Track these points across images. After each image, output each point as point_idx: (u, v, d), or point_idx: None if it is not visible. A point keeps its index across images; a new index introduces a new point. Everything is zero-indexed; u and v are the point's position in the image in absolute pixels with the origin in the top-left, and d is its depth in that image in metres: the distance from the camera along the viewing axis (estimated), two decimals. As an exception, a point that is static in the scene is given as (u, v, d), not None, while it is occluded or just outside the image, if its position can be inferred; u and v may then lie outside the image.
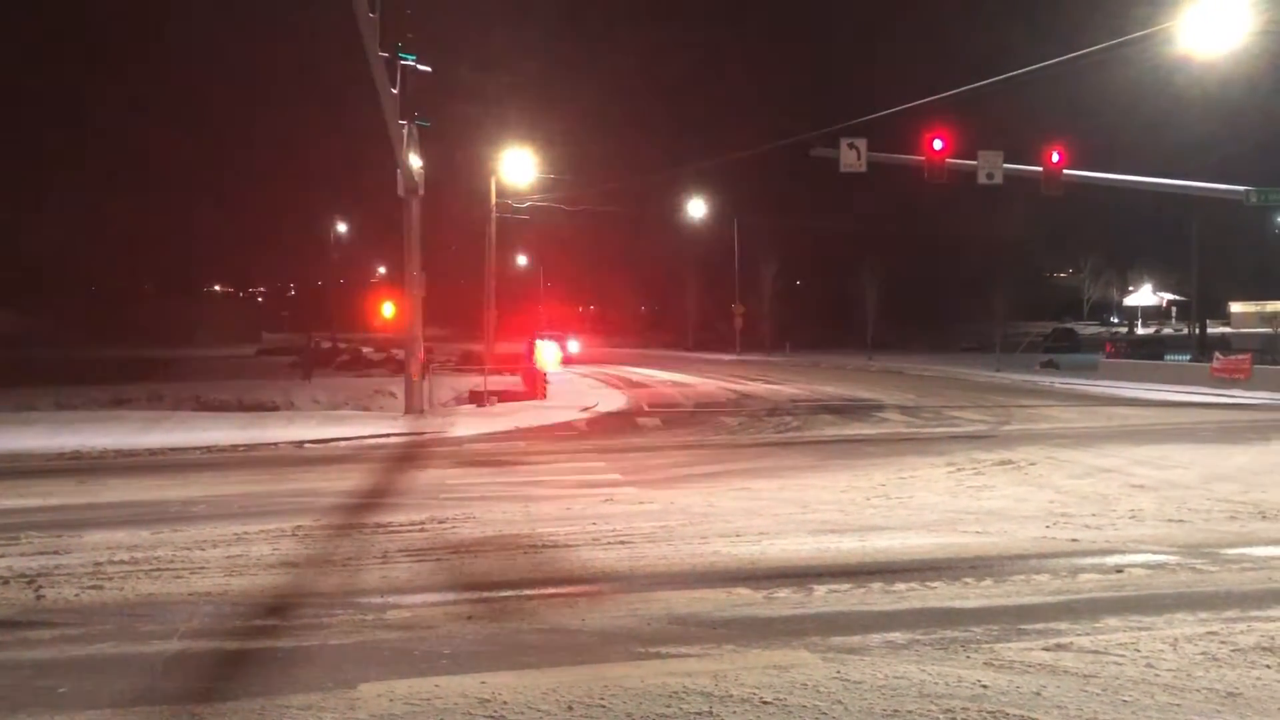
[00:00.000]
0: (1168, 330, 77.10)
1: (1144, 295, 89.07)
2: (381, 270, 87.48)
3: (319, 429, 19.58)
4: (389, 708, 4.99)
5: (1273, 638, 5.96)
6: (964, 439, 17.42)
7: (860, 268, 60.29)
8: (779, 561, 8.06)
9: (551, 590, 7.26)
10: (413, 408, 22.63)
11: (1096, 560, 8.06)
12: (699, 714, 4.87)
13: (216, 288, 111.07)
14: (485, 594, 7.15)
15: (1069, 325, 75.05)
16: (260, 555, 8.39)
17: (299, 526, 9.59)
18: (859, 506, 10.59)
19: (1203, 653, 5.70)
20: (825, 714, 4.87)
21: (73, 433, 18.45)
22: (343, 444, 18.00)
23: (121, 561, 8.15)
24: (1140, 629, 6.17)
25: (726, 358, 58.41)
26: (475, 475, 13.75)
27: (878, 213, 66.33)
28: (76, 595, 7.15)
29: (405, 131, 22.18)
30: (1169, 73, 28.90)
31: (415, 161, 22.85)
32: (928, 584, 7.28)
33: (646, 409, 25.22)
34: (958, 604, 6.78)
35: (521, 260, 74.33)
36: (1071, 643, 5.87)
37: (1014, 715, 4.81)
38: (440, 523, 9.75)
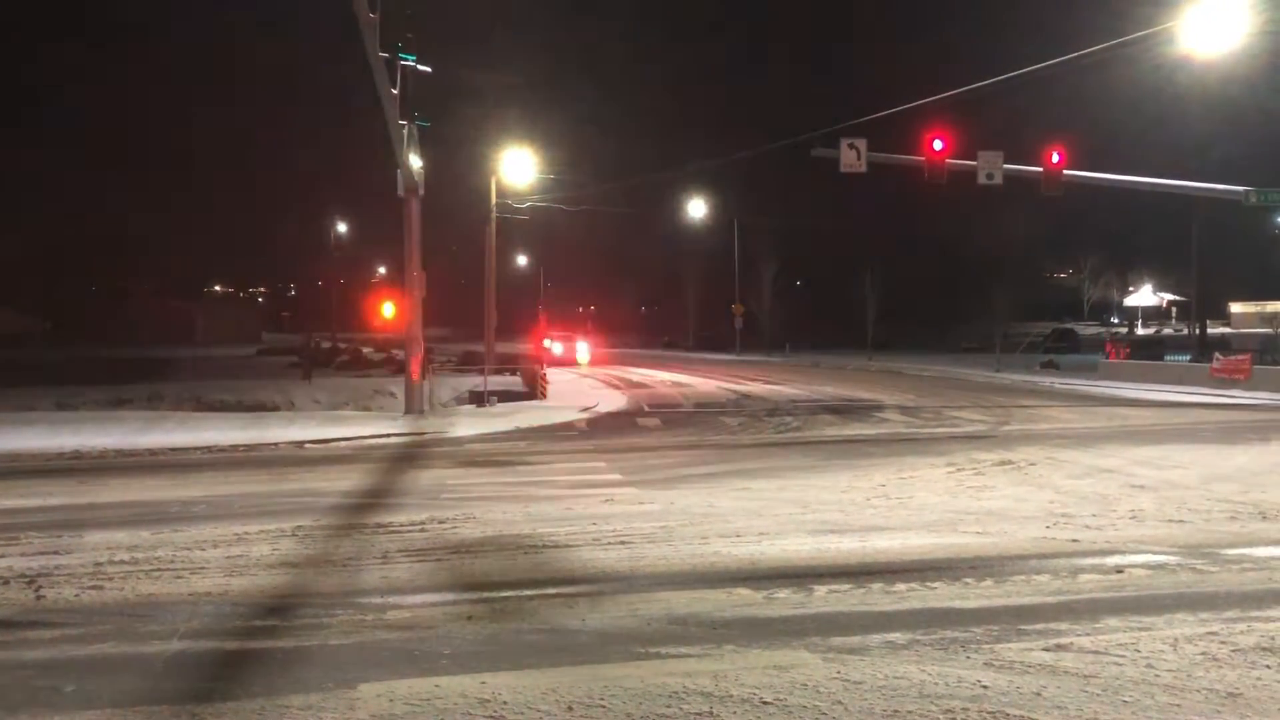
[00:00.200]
0: (1168, 330, 77.08)
1: (1144, 295, 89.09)
2: (382, 270, 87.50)
3: (319, 429, 19.59)
4: (389, 708, 4.99)
5: (1273, 638, 5.96)
6: (964, 439, 17.42)
7: (860, 268, 60.29)
8: (779, 562, 8.06)
9: (551, 590, 7.26)
10: (413, 408, 22.63)
11: (1097, 560, 8.06)
12: (699, 714, 4.87)
13: (217, 288, 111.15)
14: (485, 594, 7.15)
15: (1069, 325, 75.05)
16: (260, 555, 8.39)
17: (299, 527, 9.59)
18: (859, 507, 10.59)
19: (1203, 653, 5.70)
20: (825, 714, 4.87)
21: (73, 433, 18.45)
22: (343, 444, 18.00)
23: (122, 562, 8.15)
24: (1140, 629, 6.17)
25: (726, 358, 58.43)
26: (475, 475, 13.75)
27: (878, 213, 66.42)
28: (77, 595, 7.15)
29: (405, 131, 22.18)
30: (1169, 73, 28.89)
31: (415, 161, 22.85)
32: (928, 584, 7.28)
33: (647, 409, 25.22)
34: (958, 604, 6.78)
35: (522, 260, 74.36)
36: (1072, 643, 5.87)
37: (1014, 715, 4.81)
38: (440, 523, 9.75)
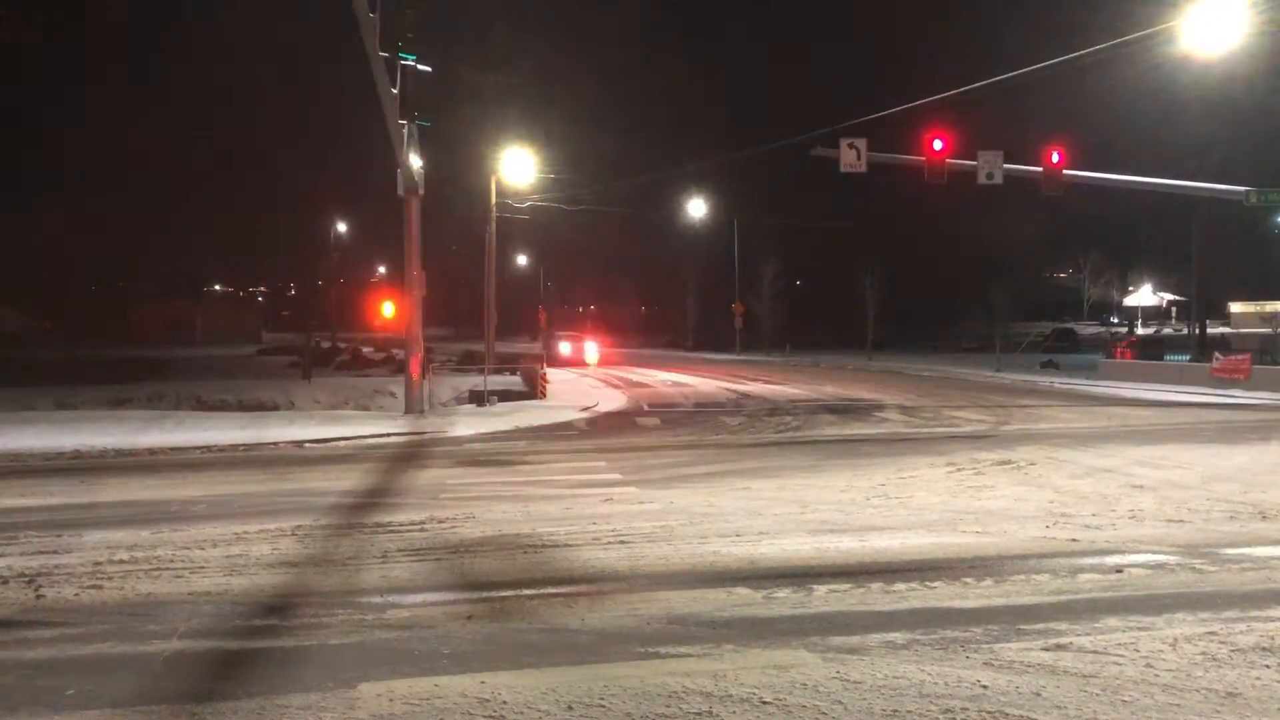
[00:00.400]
0: (1168, 330, 77.09)
1: (1144, 295, 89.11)
2: (381, 270, 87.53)
3: (319, 429, 19.59)
4: (389, 707, 4.99)
5: (1272, 638, 5.96)
6: (964, 439, 17.42)
7: (860, 268, 60.29)
8: (779, 561, 8.06)
9: (551, 590, 7.26)
10: (413, 407, 22.63)
11: (1096, 560, 8.06)
12: (699, 714, 4.87)
13: (216, 287, 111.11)
14: (485, 594, 7.15)
15: (1069, 325, 75.09)
16: (260, 555, 8.39)
17: (299, 526, 9.59)
18: (859, 506, 10.59)
19: (1202, 653, 5.70)
20: (825, 714, 4.87)
21: (73, 432, 18.45)
22: (343, 443, 18.00)
23: (121, 561, 8.15)
24: (1140, 629, 6.17)
25: (726, 358, 58.43)
26: (475, 475, 13.75)
27: (878, 213, 66.41)
28: (76, 595, 7.15)
29: (405, 131, 22.19)
30: (1169, 73, 28.92)
31: (415, 161, 22.85)
32: (927, 584, 7.28)
33: (646, 409, 25.22)
34: (957, 604, 6.78)
35: (522, 260, 74.36)
36: (1071, 643, 5.87)
37: (1013, 715, 4.81)
38: (440, 522, 9.75)
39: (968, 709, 4.88)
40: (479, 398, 25.93)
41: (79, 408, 23.43)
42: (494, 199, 35.14)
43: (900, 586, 7.21)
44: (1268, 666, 5.48)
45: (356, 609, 6.77)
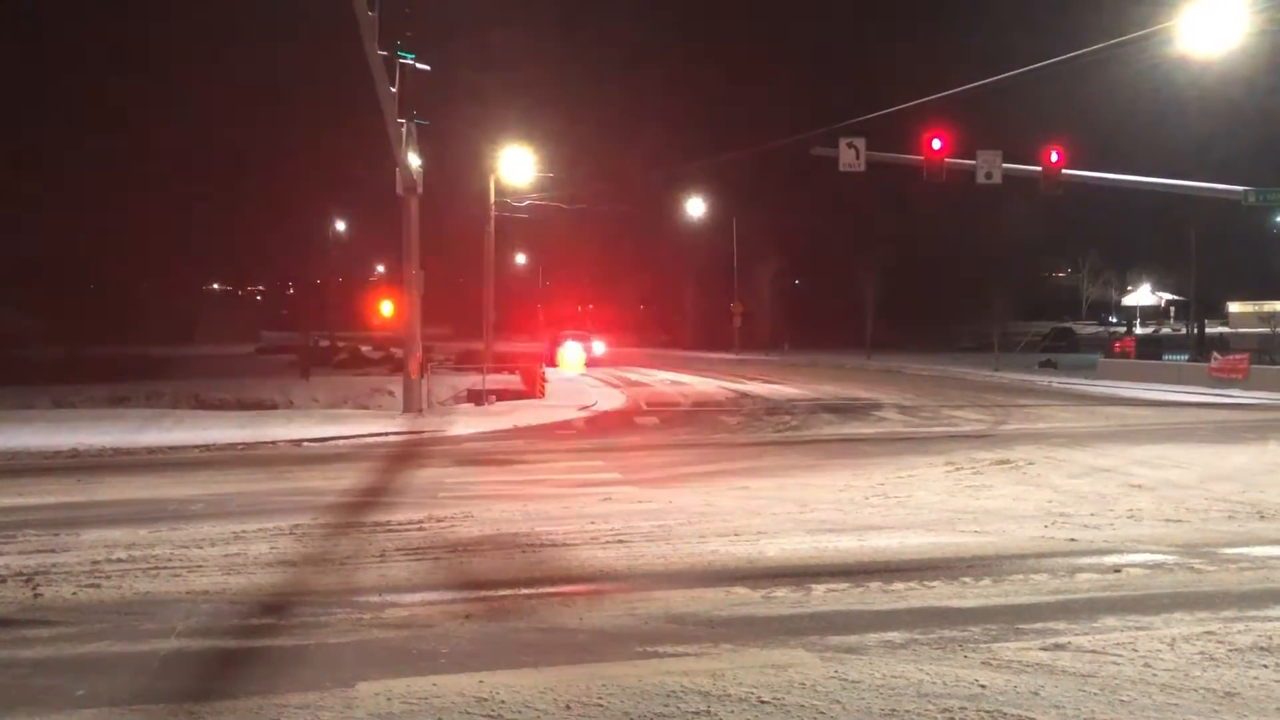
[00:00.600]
0: (1166, 330, 77.14)
1: (1142, 295, 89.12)
2: (380, 269, 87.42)
3: (317, 427, 19.58)
4: (386, 706, 4.98)
5: (1270, 637, 5.96)
6: (962, 438, 17.43)
7: (859, 267, 60.29)
8: (777, 561, 8.06)
9: (549, 589, 7.26)
10: (411, 406, 22.62)
11: (1094, 560, 8.06)
12: (697, 713, 4.87)
13: (215, 286, 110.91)
14: (483, 593, 7.15)
15: (1067, 325, 75.08)
16: (258, 554, 8.39)
17: (297, 525, 9.58)
18: (857, 506, 10.59)
19: (1200, 652, 5.70)
20: (823, 713, 4.86)
21: (71, 431, 18.43)
22: (341, 442, 18.00)
23: (119, 560, 8.14)
24: (1138, 629, 6.17)
25: (725, 357, 58.39)
26: (473, 474, 13.75)
27: (877, 212, 66.39)
28: (74, 594, 7.14)
29: (404, 130, 22.18)
30: (1168, 73, 28.91)
31: (414, 160, 22.84)
32: (926, 583, 7.28)
33: (645, 408, 25.23)
34: (955, 603, 6.78)
35: (521, 259, 74.35)
36: (1069, 642, 5.87)
37: (1011, 715, 4.81)
38: (438, 521, 9.75)
39: (966, 708, 4.88)
40: (477, 397, 25.92)
41: (77, 406, 23.42)
42: (492, 198, 35.13)
43: (899, 586, 7.21)
44: (1265, 666, 5.48)
45: (354, 608, 6.76)
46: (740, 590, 7.11)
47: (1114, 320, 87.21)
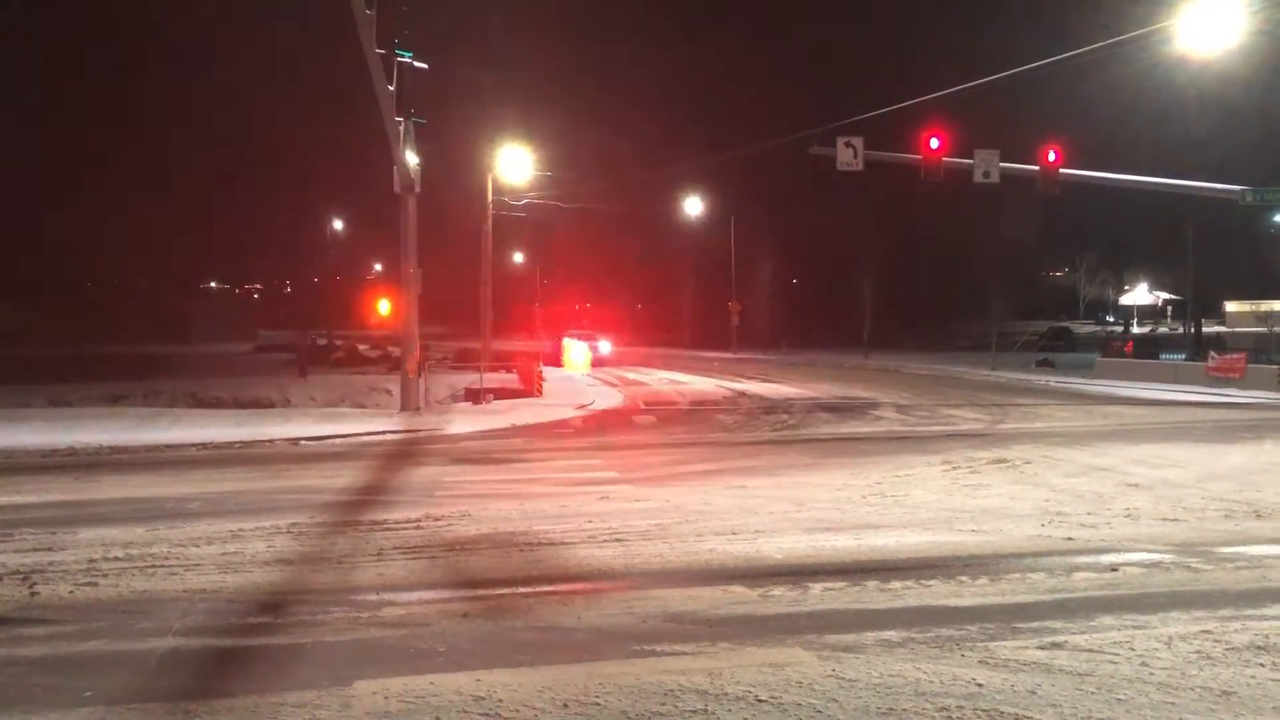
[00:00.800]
0: (1163, 329, 77.24)
1: (1140, 294, 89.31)
2: (378, 267, 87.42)
3: (315, 426, 19.56)
4: (384, 705, 4.98)
5: (1267, 636, 5.97)
6: (960, 437, 17.44)
7: (856, 266, 60.32)
8: (774, 559, 8.06)
9: (547, 588, 7.26)
10: (409, 405, 22.61)
11: (1091, 559, 8.07)
12: (694, 712, 4.87)
13: (213, 284, 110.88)
14: (481, 591, 7.15)
15: (1065, 324, 75.19)
16: (255, 552, 8.38)
17: (294, 524, 9.58)
18: (855, 505, 10.60)
19: (1197, 651, 5.71)
20: (820, 712, 4.87)
21: (68, 429, 18.42)
22: (339, 441, 17.98)
23: (116, 558, 8.14)
24: (1135, 628, 6.17)
25: (723, 356, 58.38)
26: (471, 472, 13.74)
27: (874, 211, 66.44)
28: (71, 592, 7.14)
29: (402, 128, 22.16)
30: (1166, 72, 28.97)
31: (411, 158, 22.83)
32: (923, 582, 7.28)
33: (643, 407, 25.22)
34: (953, 602, 6.78)
35: (518, 258, 74.29)
36: (1066, 641, 5.88)
37: (1009, 714, 4.82)
38: (436, 520, 9.74)
39: (963, 707, 4.88)
40: (475, 395, 25.92)
41: (74, 405, 23.39)
42: (490, 196, 35.12)
43: (896, 585, 7.21)
44: (1262, 665, 5.49)
45: (352, 607, 6.76)
46: (738, 589, 7.12)
47: (1111, 320, 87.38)
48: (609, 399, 27.48)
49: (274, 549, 8.53)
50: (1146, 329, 79.45)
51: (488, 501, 10.85)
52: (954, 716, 4.79)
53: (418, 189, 23.30)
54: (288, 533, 9.20)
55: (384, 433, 19.05)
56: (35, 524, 9.68)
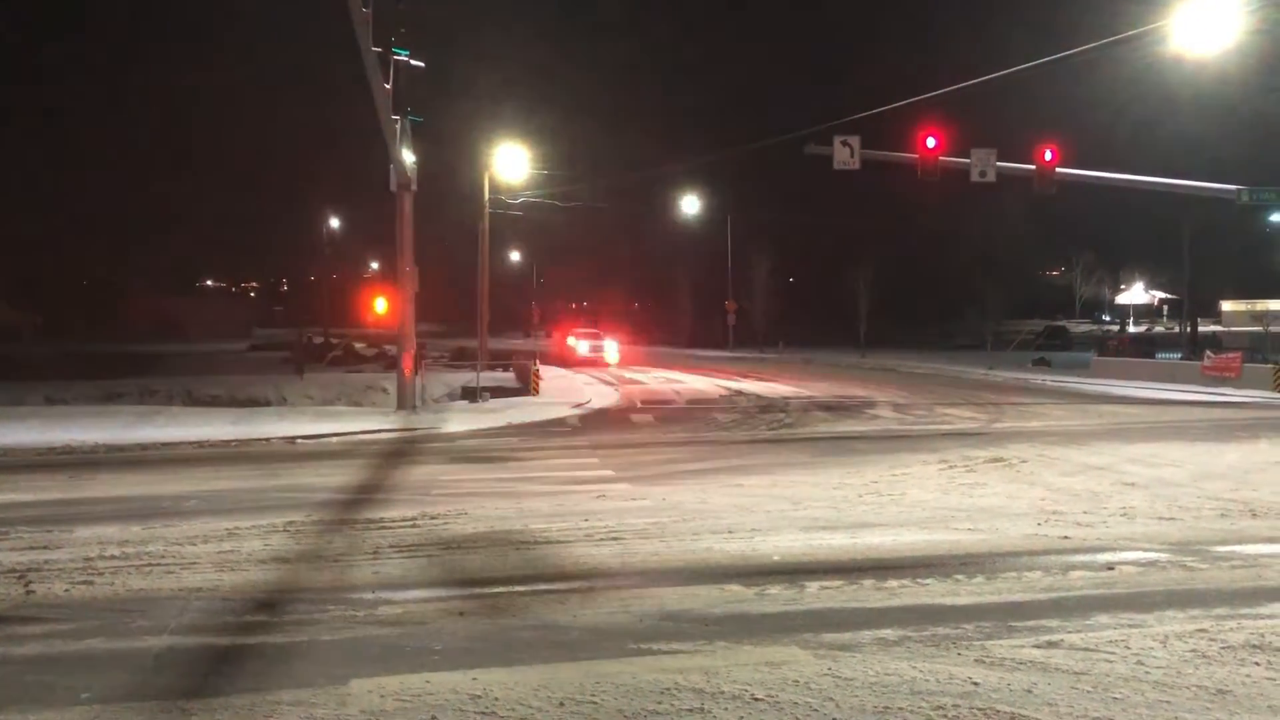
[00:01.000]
0: (1159, 328, 77.33)
1: (1136, 293, 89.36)
2: (374, 265, 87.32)
3: (311, 424, 19.54)
4: (380, 704, 4.98)
5: (1262, 635, 5.98)
6: (956, 436, 17.45)
7: (853, 265, 60.37)
8: (771, 558, 8.07)
9: (543, 586, 7.26)
10: (405, 404, 22.59)
11: (1087, 558, 8.08)
12: (691, 711, 4.87)
13: (209, 283, 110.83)
14: (477, 590, 7.14)
15: (1061, 323, 75.29)
16: (252, 551, 8.37)
17: (291, 522, 9.57)
18: (851, 503, 10.60)
19: (1193, 650, 5.71)
20: (817, 711, 4.87)
21: (64, 427, 18.38)
22: (335, 439, 17.96)
23: (112, 556, 8.12)
24: (1131, 626, 6.18)
25: (719, 355, 58.37)
26: (467, 471, 13.74)
27: (871, 210, 66.54)
28: (67, 590, 7.12)
29: (398, 127, 22.11)
30: (1161, 72, 28.98)
31: (408, 157, 22.80)
32: (919, 581, 7.29)
33: (639, 405, 25.21)
34: (949, 601, 6.79)
35: (515, 256, 74.27)
36: (1062, 640, 5.89)
37: (1005, 712, 4.82)
38: (432, 518, 9.74)
39: (959, 706, 4.89)
40: (471, 394, 25.90)
41: (70, 403, 23.36)
42: (487, 195, 35.10)
43: (892, 583, 7.22)
44: (1258, 664, 5.50)
45: (348, 605, 6.75)
46: (734, 588, 7.12)
47: (1107, 319, 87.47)
48: (605, 398, 27.46)
49: (270, 547, 8.53)
50: (1142, 328, 79.52)
51: (484, 500, 10.85)
52: (950, 715, 4.80)
53: (414, 187, 23.28)
54: (284, 531, 9.19)
55: (380, 431, 19.03)
56: (31, 522, 9.66)
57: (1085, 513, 10.00)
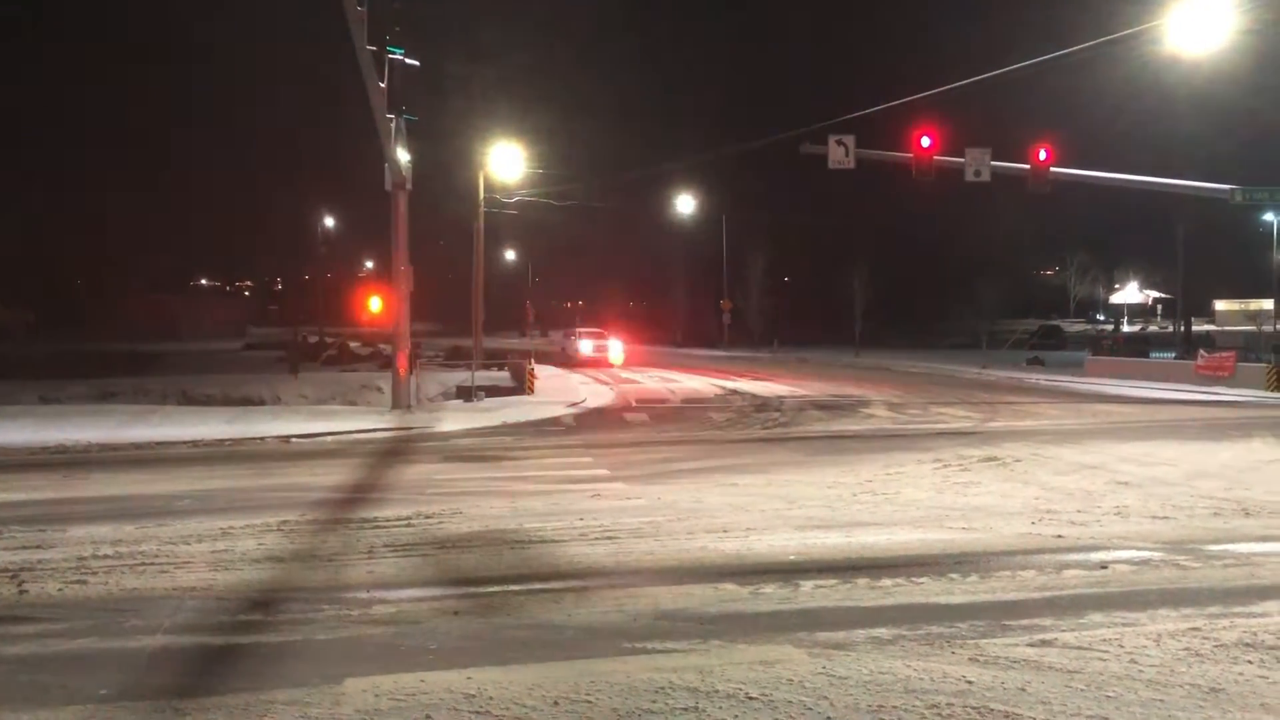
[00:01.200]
0: (1153, 328, 77.50)
1: (1130, 293, 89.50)
2: (369, 265, 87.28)
3: (306, 424, 19.51)
4: (374, 703, 4.97)
5: (1255, 634, 6.00)
6: (950, 435, 17.48)
7: (848, 265, 60.44)
8: (765, 557, 8.07)
9: (538, 585, 7.26)
10: (400, 403, 22.57)
11: (1081, 556, 8.10)
12: (685, 709, 4.87)
13: (203, 282, 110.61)
14: (471, 589, 7.14)
15: (1055, 323, 75.44)
16: (246, 550, 8.36)
17: (285, 521, 9.56)
18: (845, 502, 10.62)
19: (1186, 648, 5.73)
20: (811, 709, 4.87)
21: (58, 427, 18.34)
22: (329, 439, 17.94)
23: (106, 556, 8.11)
24: (1124, 625, 6.20)
25: (714, 354, 58.40)
26: (462, 470, 13.73)
27: (866, 210, 66.62)
28: (60, 590, 7.11)
29: (393, 126, 22.08)
30: (1156, 72, 29.05)
31: (403, 156, 22.77)
32: (913, 580, 7.30)
33: (634, 405, 25.21)
34: (943, 600, 6.80)
35: (510, 256, 74.22)
36: (1056, 638, 5.90)
37: (998, 711, 4.83)
38: (427, 518, 9.73)
39: (953, 704, 4.90)
40: (466, 393, 25.87)
41: (64, 402, 23.28)
42: (482, 194, 35.06)
43: (886, 582, 7.23)
44: (1250, 662, 5.51)
45: (342, 604, 6.75)
46: (728, 586, 7.12)
47: (1101, 318, 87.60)
48: (600, 397, 27.45)
49: (264, 546, 8.51)
50: (1137, 327, 79.69)
51: (479, 499, 10.84)
52: (944, 713, 4.80)
53: (409, 186, 23.25)
54: (278, 530, 9.18)
55: (375, 430, 19.01)
56: (24, 521, 9.63)
57: (1079, 511, 10.02)
